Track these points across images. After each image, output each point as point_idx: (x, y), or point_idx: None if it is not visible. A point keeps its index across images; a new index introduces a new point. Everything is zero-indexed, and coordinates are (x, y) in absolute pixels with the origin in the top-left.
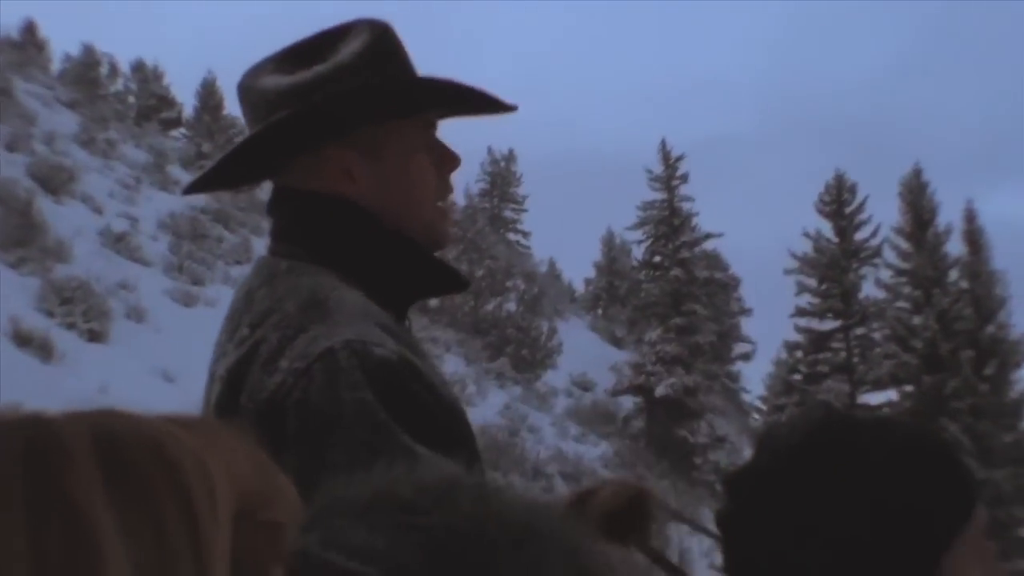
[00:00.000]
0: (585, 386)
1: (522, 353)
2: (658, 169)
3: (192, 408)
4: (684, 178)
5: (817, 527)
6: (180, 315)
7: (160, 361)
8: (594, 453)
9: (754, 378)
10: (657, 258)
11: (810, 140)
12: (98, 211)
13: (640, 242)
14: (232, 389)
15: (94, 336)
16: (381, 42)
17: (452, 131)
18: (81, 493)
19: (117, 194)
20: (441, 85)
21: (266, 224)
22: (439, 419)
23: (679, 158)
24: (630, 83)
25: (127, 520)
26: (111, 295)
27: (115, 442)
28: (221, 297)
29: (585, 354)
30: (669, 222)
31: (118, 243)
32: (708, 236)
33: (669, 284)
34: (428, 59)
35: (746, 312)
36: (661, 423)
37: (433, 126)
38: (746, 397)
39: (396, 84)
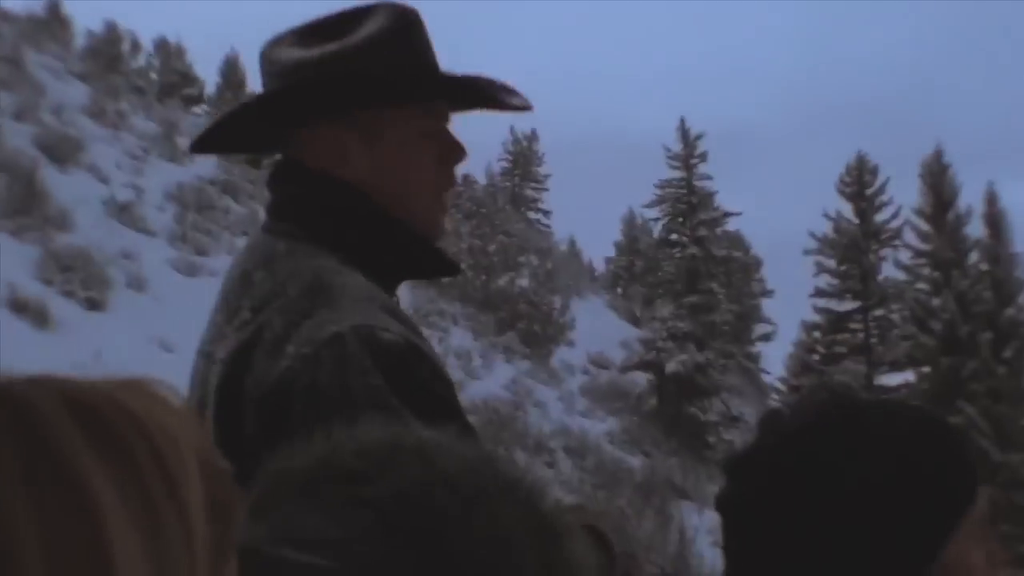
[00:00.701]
0: (602, 364)
1: (533, 328)
2: (677, 147)
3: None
4: (703, 157)
5: (820, 510)
6: (182, 285)
7: (159, 330)
8: (600, 429)
9: (776, 359)
10: (674, 236)
11: (835, 125)
12: (104, 181)
13: (657, 219)
14: (235, 373)
15: (93, 304)
16: (397, 26)
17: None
18: (72, 454)
19: (124, 165)
20: (449, 78)
21: None
22: (446, 400)
23: (698, 136)
24: (655, 69)
25: (113, 476)
26: (112, 264)
27: (86, 405)
28: (225, 268)
29: (603, 333)
30: (687, 200)
31: (122, 213)
32: (727, 215)
33: (685, 262)
34: (453, 44)
35: (768, 294)
36: (672, 400)
37: (442, 116)
38: (767, 378)
39: (394, 71)
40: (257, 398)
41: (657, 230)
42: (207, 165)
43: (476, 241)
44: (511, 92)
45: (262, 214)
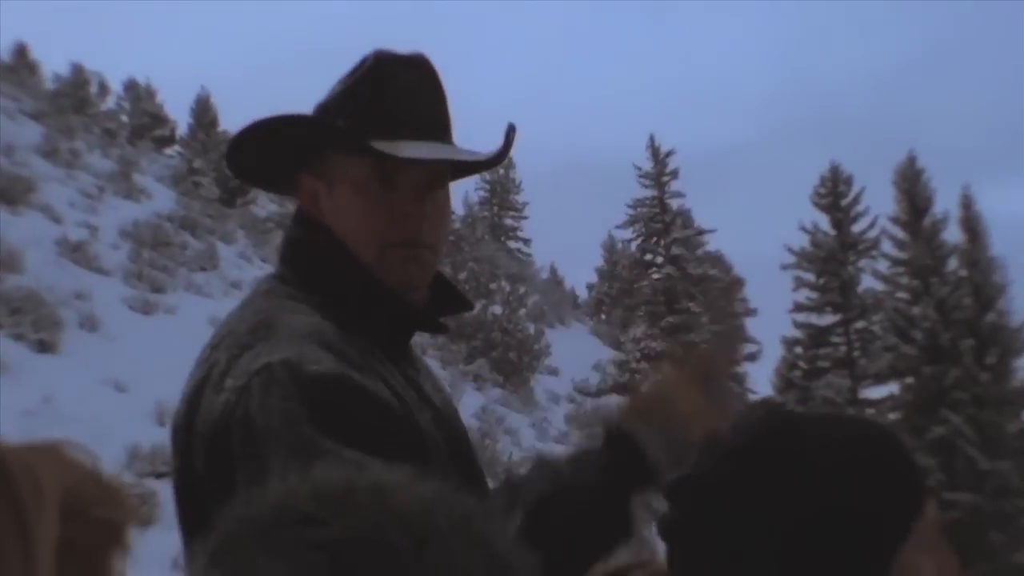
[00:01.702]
0: (588, 392)
1: (509, 356)
2: (647, 166)
3: (143, 417)
4: (674, 174)
5: (763, 533)
6: (137, 324)
7: (112, 371)
8: None
9: (762, 379)
10: (648, 256)
11: (810, 139)
12: (57, 221)
13: (631, 240)
14: (189, 410)
15: (44, 346)
16: (365, 75)
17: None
18: None
19: (78, 203)
20: (382, 131)
21: (233, 230)
22: (380, 431)
23: (668, 154)
24: (631, 90)
25: None
26: (64, 305)
27: None
28: (182, 304)
29: (588, 359)
30: (660, 219)
31: (75, 252)
32: (701, 233)
33: (662, 282)
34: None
35: (751, 313)
36: None
37: (399, 165)
38: (753, 398)
39: (328, 120)
40: (204, 434)
41: (632, 250)
42: (164, 200)
43: (446, 268)
44: (506, 140)
45: (221, 249)
